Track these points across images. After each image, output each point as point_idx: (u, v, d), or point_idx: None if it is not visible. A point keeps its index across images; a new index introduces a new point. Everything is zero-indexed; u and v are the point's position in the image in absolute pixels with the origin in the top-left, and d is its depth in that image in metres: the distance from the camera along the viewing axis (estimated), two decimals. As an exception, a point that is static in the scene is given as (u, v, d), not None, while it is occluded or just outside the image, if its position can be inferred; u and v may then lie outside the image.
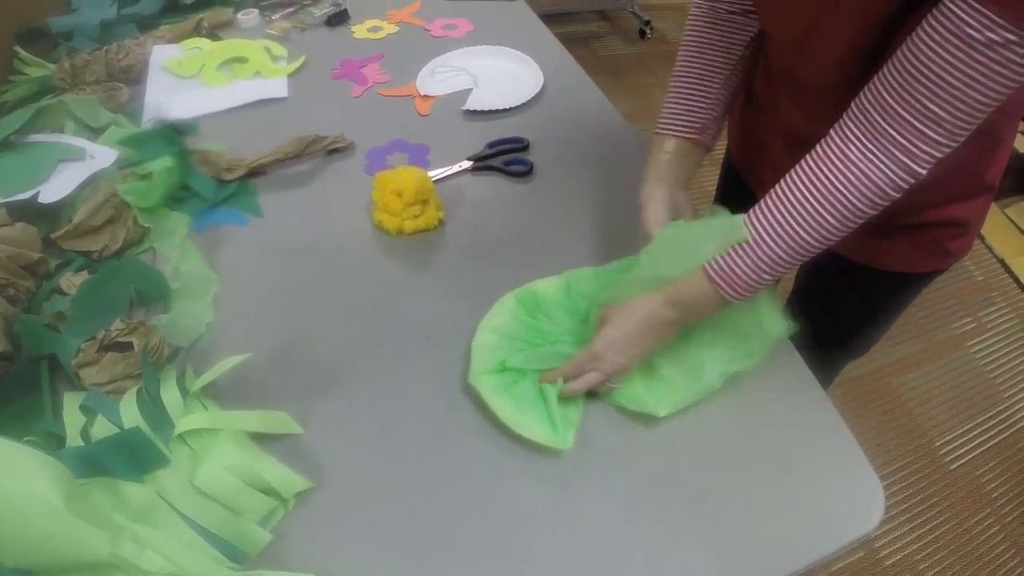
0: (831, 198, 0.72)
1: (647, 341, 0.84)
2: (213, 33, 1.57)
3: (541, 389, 0.86)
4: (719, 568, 0.74)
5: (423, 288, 1.03)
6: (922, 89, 0.64)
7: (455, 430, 0.86)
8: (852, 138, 0.71)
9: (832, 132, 0.74)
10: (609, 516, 0.78)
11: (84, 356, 0.86)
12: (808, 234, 0.74)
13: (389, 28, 1.61)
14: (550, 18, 1.68)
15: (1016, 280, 2.51)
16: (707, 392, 0.86)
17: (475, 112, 1.34)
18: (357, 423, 0.87)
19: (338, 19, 1.62)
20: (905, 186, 0.71)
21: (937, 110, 0.65)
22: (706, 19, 0.97)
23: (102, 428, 0.81)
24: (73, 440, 0.81)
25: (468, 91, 1.40)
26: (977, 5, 0.58)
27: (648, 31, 3.70)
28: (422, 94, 1.39)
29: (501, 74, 1.45)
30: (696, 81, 0.97)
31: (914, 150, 0.68)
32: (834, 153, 0.73)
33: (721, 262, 0.78)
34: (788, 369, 0.92)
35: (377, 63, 1.49)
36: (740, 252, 0.77)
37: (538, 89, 1.38)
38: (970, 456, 2.03)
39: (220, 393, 0.88)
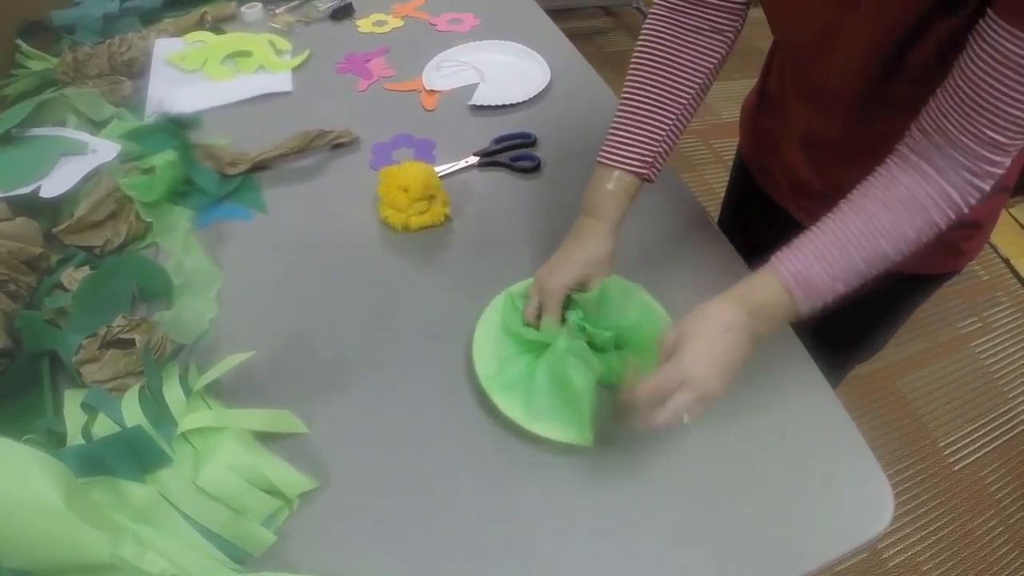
0: (911, 209, 0.71)
1: (732, 351, 0.74)
2: (217, 26, 1.56)
3: (554, 386, 0.84)
4: (729, 570, 0.74)
5: (429, 285, 1.02)
6: (982, 120, 0.65)
7: (461, 429, 0.85)
8: (924, 157, 0.71)
9: (903, 148, 0.73)
10: (617, 517, 0.77)
11: (85, 353, 0.85)
12: (889, 246, 0.72)
13: (394, 22, 1.60)
14: (554, 13, 1.67)
15: (1021, 280, 2.51)
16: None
17: (481, 107, 1.33)
18: (362, 422, 0.86)
19: (343, 13, 1.60)
20: (973, 202, 0.70)
21: (999, 136, 0.66)
22: (668, 35, 0.90)
23: (103, 426, 0.80)
24: (74, 438, 0.80)
25: (474, 86, 1.39)
26: (1019, 32, 0.59)
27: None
28: (428, 89, 1.38)
29: (507, 69, 1.44)
30: (651, 108, 0.90)
31: (979, 171, 0.68)
32: (913, 168, 0.71)
33: (799, 266, 0.73)
34: (798, 371, 0.92)
35: (382, 57, 1.48)
36: (819, 258, 0.73)
37: (545, 84, 1.37)
38: (974, 457, 2.02)
39: (223, 391, 0.87)
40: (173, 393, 0.82)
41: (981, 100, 0.64)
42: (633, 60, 0.92)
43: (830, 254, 0.72)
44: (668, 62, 0.90)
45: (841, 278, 0.72)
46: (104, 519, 0.69)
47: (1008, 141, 0.66)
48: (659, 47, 0.90)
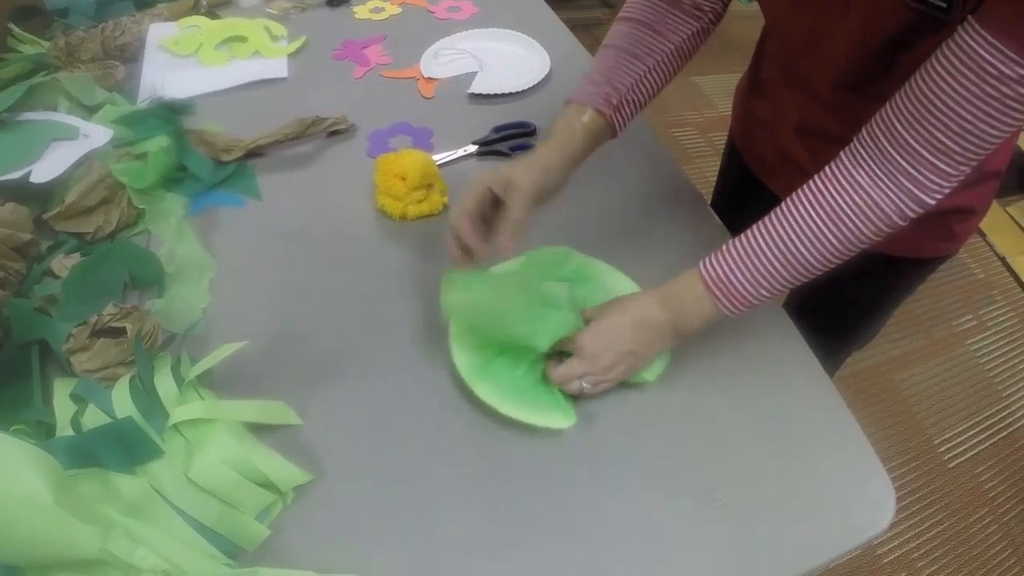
0: (836, 220, 0.71)
1: (633, 342, 0.81)
2: (212, 11, 1.54)
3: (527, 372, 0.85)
4: (728, 567, 0.73)
5: (427, 275, 1.00)
6: (935, 122, 0.64)
7: (459, 422, 0.84)
8: (862, 163, 0.70)
9: (843, 154, 0.73)
10: (615, 513, 0.77)
11: (75, 342, 0.83)
12: (810, 253, 0.73)
13: (392, 9, 1.57)
14: (553, 3, 1.66)
15: (1017, 278, 2.51)
16: None
17: (480, 96, 1.32)
18: (358, 414, 0.85)
19: (339, -1, 1.59)
20: (912, 215, 0.70)
21: (949, 143, 0.64)
22: (645, 4, 0.92)
23: (93, 417, 0.78)
24: (63, 429, 0.78)
25: (473, 74, 1.38)
26: (995, 41, 0.58)
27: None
28: (426, 76, 1.36)
29: (507, 58, 1.43)
30: (623, 57, 0.91)
31: (924, 181, 0.67)
32: (843, 176, 0.71)
33: (719, 269, 0.76)
34: (801, 368, 0.91)
35: (379, 44, 1.46)
36: (739, 263, 0.75)
37: (545, 74, 1.36)
38: (969, 455, 2.03)
39: (216, 382, 0.85)
40: (164, 384, 0.80)
41: (939, 103, 0.63)
42: (617, 18, 0.95)
43: (752, 261, 0.74)
44: (641, 24, 0.92)
45: (763, 284, 0.75)
46: (94, 513, 0.68)
47: (960, 150, 0.64)
48: (638, 10, 0.92)
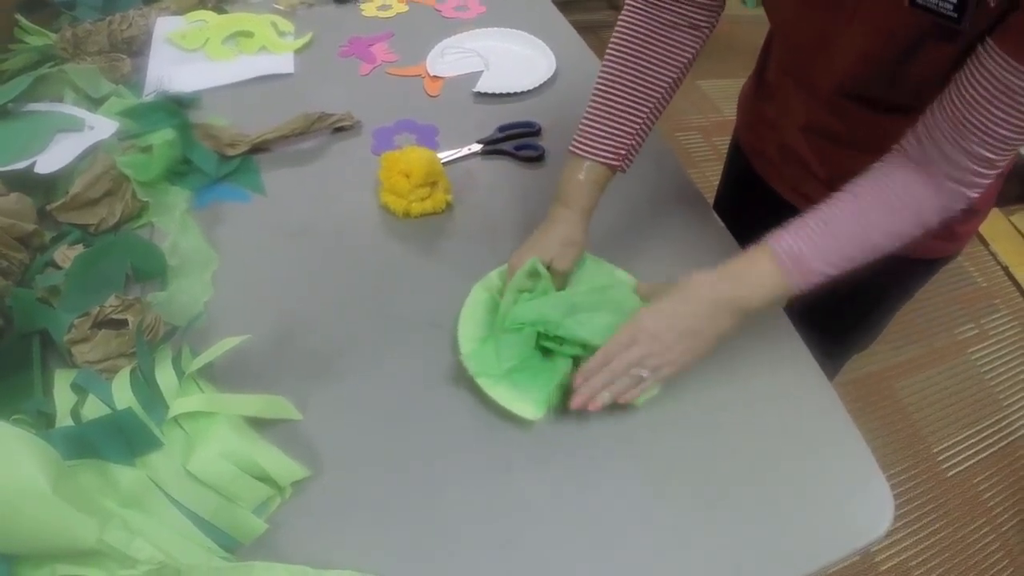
0: (904, 210, 0.75)
1: (694, 319, 0.78)
2: (219, 6, 1.54)
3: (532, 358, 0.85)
4: (725, 569, 0.73)
5: (429, 272, 1.00)
6: (972, 138, 0.69)
7: (458, 419, 0.84)
8: (918, 160, 0.74)
9: (899, 149, 0.76)
10: (613, 513, 0.77)
11: (77, 332, 0.83)
12: (881, 238, 0.76)
13: (399, 7, 1.58)
14: (559, 5, 1.66)
15: (1019, 288, 2.50)
16: None
17: (486, 95, 1.32)
18: (358, 410, 0.85)
19: (347, -4, 1.59)
20: (962, 206, 0.75)
21: (987, 153, 0.69)
22: (643, 30, 0.90)
23: (93, 408, 0.78)
24: (63, 420, 0.79)
25: (479, 73, 1.38)
26: (1019, 65, 0.63)
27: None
28: (432, 75, 1.36)
29: (513, 57, 1.43)
30: (626, 101, 0.90)
31: (968, 181, 0.73)
32: (906, 169, 0.75)
33: (792, 244, 0.76)
34: (801, 372, 0.91)
35: (386, 42, 1.46)
36: (813, 240, 0.76)
37: (551, 74, 1.36)
38: (967, 464, 2.02)
39: (217, 375, 0.85)
40: (165, 376, 0.80)
41: (974, 119, 0.68)
42: (608, 52, 0.92)
43: (823, 239, 0.75)
44: (643, 56, 0.90)
45: (833, 262, 0.76)
46: (91, 504, 0.68)
47: (996, 157, 0.70)
48: (634, 40, 0.90)
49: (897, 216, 0.75)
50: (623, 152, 0.91)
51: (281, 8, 1.54)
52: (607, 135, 0.90)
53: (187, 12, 1.49)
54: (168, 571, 0.66)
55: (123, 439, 0.74)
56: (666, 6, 0.90)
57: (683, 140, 2.96)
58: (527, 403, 0.82)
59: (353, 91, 1.33)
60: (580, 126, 0.92)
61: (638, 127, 0.91)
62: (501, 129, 1.23)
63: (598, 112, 0.91)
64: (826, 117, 0.92)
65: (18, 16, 1.40)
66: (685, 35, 0.90)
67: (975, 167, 0.71)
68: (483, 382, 0.83)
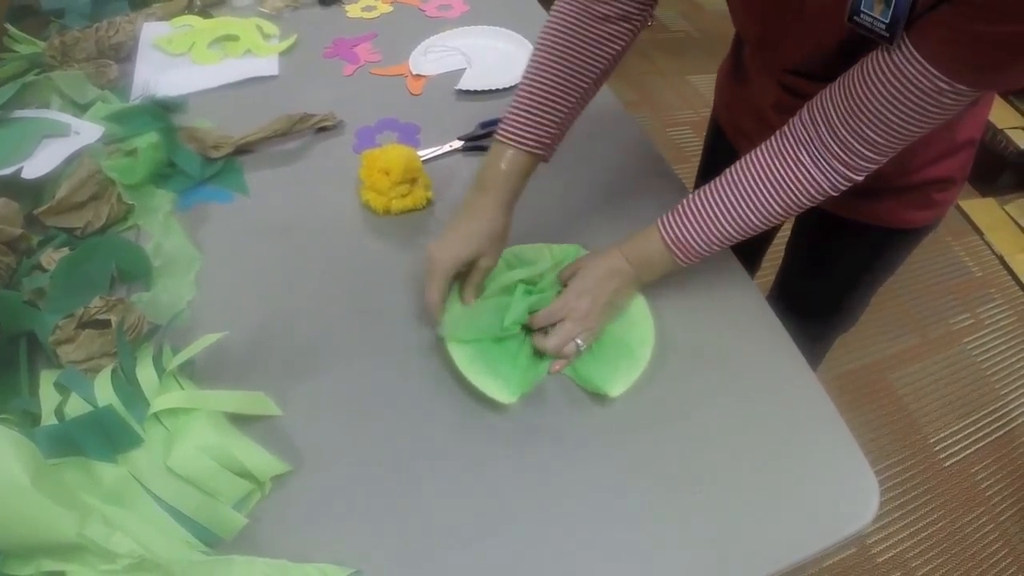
0: (781, 191, 0.80)
1: (610, 293, 0.88)
2: (205, 11, 1.55)
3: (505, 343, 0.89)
4: (708, 560, 0.73)
5: (410, 268, 1.01)
6: (866, 120, 0.72)
7: (439, 413, 0.85)
8: (804, 145, 0.78)
9: (787, 134, 0.80)
10: (596, 505, 0.77)
11: (62, 333, 0.84)
12: (757, 218, 0.82)
13: (383, 7, 1.58)
14: (546, 4, 1.66)
15: (1015, 277, 2.50)
16: (642, 367, 0.88)
17: (468, 92, 1.33)
18: (338, 406, 0.85)
19: (332, -2, 1.60)
20: (844, 188, 0.79)
21: (876, 137, 0.73)
22: (573, 20, 0.90)
23: (77, 407, 0.79)
24: (48, 419, 0.79)
25: (461, 71, 1.38)
26: (925, 63, 0.66)
27: (648, 19, 3.64)
28: (414, 73, 1.37)
29: (495, 54, 1.43)
30: (553, 90, 0.90)
31: (854, 165, 0.76)
32: (789, 154, 0.79)
33: (677, 232, 0.85)
34: (784, 362, 0.92)
35: (370, 42, 1.47)
36: (694, 225, 0.84)
37: (533, 71, 1.36)
38: (965, 453, 2.01)
39: (199, 373, 0.86)
40: (146, 374, 0.81)
41: (869, 103, 0.71)
42: (538, 41, 0.92)
43: (703, 223, 0.84)
44: (573, 46, 0.90)
45: (713, 242, 0.85)
46: (72, 499, 0.69)
47: (884, 142, 0.74)
48: (564, 31, 0.90)
49: (777, 198, 0.80)
50: (547, 141, 0.91)
51: (266, 11, 1.55)
52: (532, 123, 0.90)
53: (173, 17, 1.50)
54: (148, 565, 0.67)
55: (104, 436, 0.75)
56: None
57: (673, 135, 2.97)
58: (501, 386, 0.83)
59: (337, 91, 1.33)
60: (506, 114, 0.92)
61: (563, 117, 0.91)
62: (483, 125, 1.23)
63: (524, 100, 0.91)
64: (790, 100, 0.94)
65: (7, 25, 1.41)
66: (616, 27, 0.90)
67: (864, 151, 0.75)
68: (457, 355, 0.85)
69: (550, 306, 0.88)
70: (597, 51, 0.91)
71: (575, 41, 0.90)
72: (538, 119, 0.90)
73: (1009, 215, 2.68)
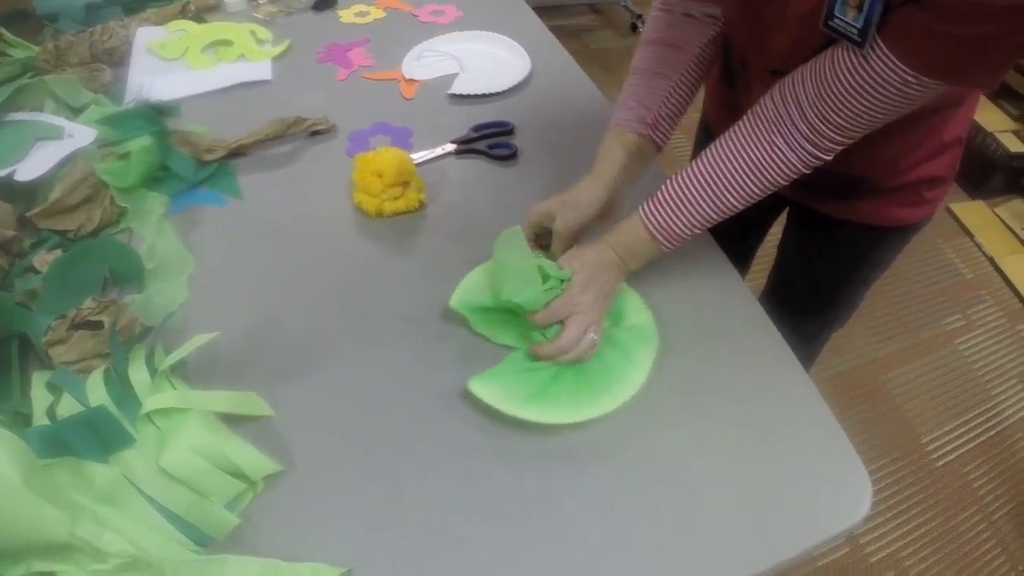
0: (756, 172, 0.83)
1: (607, 284, 0.89)
2: (199, 16, 1.55)
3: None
4: (703, 557, 0.74)
5: (402, 270, 1.01)
6: (834, 107, 0.76)
7: (430, 414, 0.85)
8: (775, 128, 0.81)
9: (759, 111, 0.83)
10: (589, 503, 0.77)
11: (54, 334, 0.84)
12: (735, 199, 0.84)
13: (376, 13, 1.59)
14: (541, 11, 1.67)
15: (1005, 279, 2.50)
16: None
17: (460, 96, 1.33)
18: (330, 406, 0.86)
19: (325, 3, 1.60)
20: (817, 165, 0.82)
21: (844, 123, 0.76)
22: (663, 21, 0.99)
23: (69, 408, 0.79)
24: (39, 419, 0.79)
25: (454, 76, 1.39)
26: (895, 59, 0.69)
27: (640, 25, 3.65)
28: (407, 78, 1.38)
29: (488, 59, 1.44)
30: (649, 77, 0.97)
31: (822, 146, 0.79)
32: (761, 135, 0.82)
33: (659, 218, 0.87)
34: (777, 360, 0.92)
35: (363, 47, 1.48)
36: (675, 210, 0.86)
37: (525, 74, 1.37)
38: (957, 453, 2.02)
39: (191, 374, 0.86)
40: (138, 374, 0.81)
41: (837, 92, 0.74)
42: (639, 43, 1.01)
43: (683, 208, 0.86)
44: (663, 42, 0.98)
45: (696, 224, 0.86)
46: (64, 498, 0.69)
47: (851, 127, 0.77)
48: (656, 31, 0.99)
49: (753, 178, 0.83)
50: (649, 121, 0.96)
51: (260, 17, 1.55)
52: (633, 107, 0.97)
53: (167, 22, 1.50)
54: (139, 565, 0.67)
55: (96, 436, 0.75)
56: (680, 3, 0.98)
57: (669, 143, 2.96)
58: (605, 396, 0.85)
59: (330, 96, 1.34)
60: (617, 108, 0.99)
61: (663, 97, 0.97)
62: (475, 129, 1.24)
63: (628, 89, 0.99)
64: None
65: (1, 29, 1.41)
66: (700, 24, 0.97)
67: (832, 134, 0.78)
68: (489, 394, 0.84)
69: (553, 304, 0.87)
70: (681, 48, 0.97)
71: (662, 40, 0.98)
72: (636, 103, 0.97)
73: (999, 217, 2.69)
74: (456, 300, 0.93)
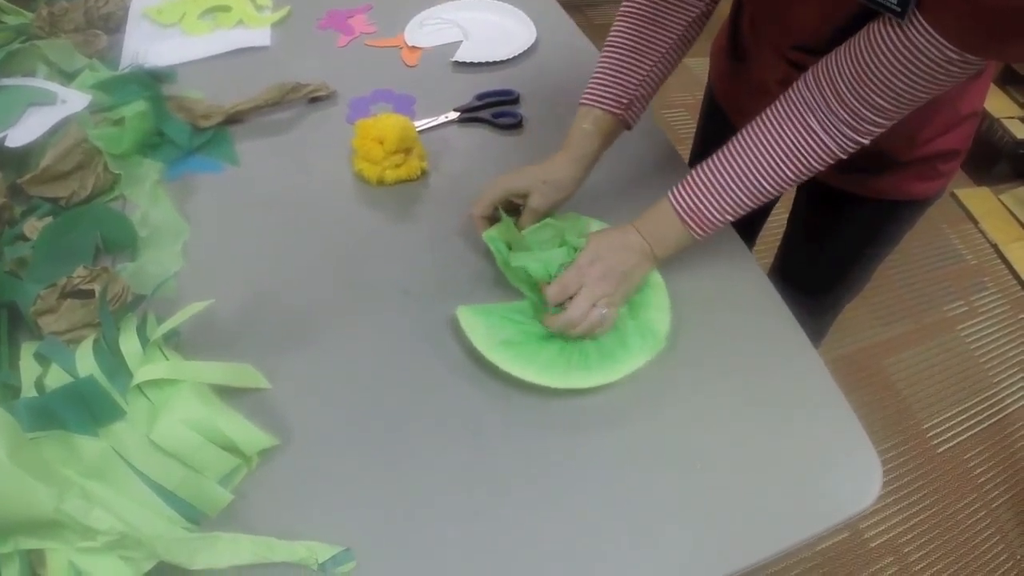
0: (792, 157, 0.80)
1: (626, 264, 0.87)
2: (197, -19, 1.51)
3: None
4: (710, 540, 0.73)
5: (403, 240, 1.00)
6: (874, 87, 0.73)
7: (430, 387, 0.83)
8: (813, 111, 0.78)
9: (792, 96, 0.80)
10: (594, 483, 0.76)
11: (43, 303, 0.82)
12: (770, 184, 0.82)
13: (379, -20, 1.55)
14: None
15: (1008, 266, 2.50)
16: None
17: (464, 64, 1.31)
18: (328, 378, 0.84)
19: (326, -30, 1.56)
20: (853, 151, 0.79)
21: (885, 103, 0.74)
22: None
23: (58, 378, 0.77)
24: (28, 391, 0.77)
25: (458, 43, 1.36)
26: (936, 35, 0.66)
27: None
28: (410, 45, 1.35)
29: (492, 27, 1.41)
30: (628, 55, 0.95)
31: (861, 129, 0.77)
32: (796, 118, 0.79)
33: (689, 202, 0.85)
34: (784, 335, 0.91)
35: (365, 14, 1.44)
36: (707, 194, 0.84)
37: (530, 43, 1.35)
38: (958, 440, 2.02)
39: (185, 345, 0.84)
40: (129, 344, 0.79)
41: (877, 71, 0.72)
42: (618, 13, 0.97)
43: (716, 192, 0.83)
44: (649, 13, 0.94)
45: (727, 211, 0.84)
46: (51, 473, 0.67)
47: (892, 108, 0.74)
48: (637, 4, 0.94)
49: (788, 163, 0.80)
50: (625, 101, 0.94)
51: (260, -18, 1.52)
52: (610, 85, 0.94)
53: (164, -13, 1.47)
54: (129, 542, 0.65)
55: (85, 408, 0.73)
56: None
57: (669, 117, 2.95)
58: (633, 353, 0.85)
59: (330, 63, 1.31)
60: (590, 80, 0.96)
61: (641, 79, 0.94)
62: (479, 97, 1.22)
63: (604, 65, 0.96)
64: (797, 73, 0.93)
65: (-6, -4, 1.38)
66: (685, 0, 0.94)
67: (872, 116, 0.75)
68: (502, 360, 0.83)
69: (562, 276, 0.86)
70: (671, 15, 0.94)
71: (643, 15, 0.94)
72: (615, 81, 0.95)
73: (1004, 204, 2.68)
74: (488, 234, 0.92)
